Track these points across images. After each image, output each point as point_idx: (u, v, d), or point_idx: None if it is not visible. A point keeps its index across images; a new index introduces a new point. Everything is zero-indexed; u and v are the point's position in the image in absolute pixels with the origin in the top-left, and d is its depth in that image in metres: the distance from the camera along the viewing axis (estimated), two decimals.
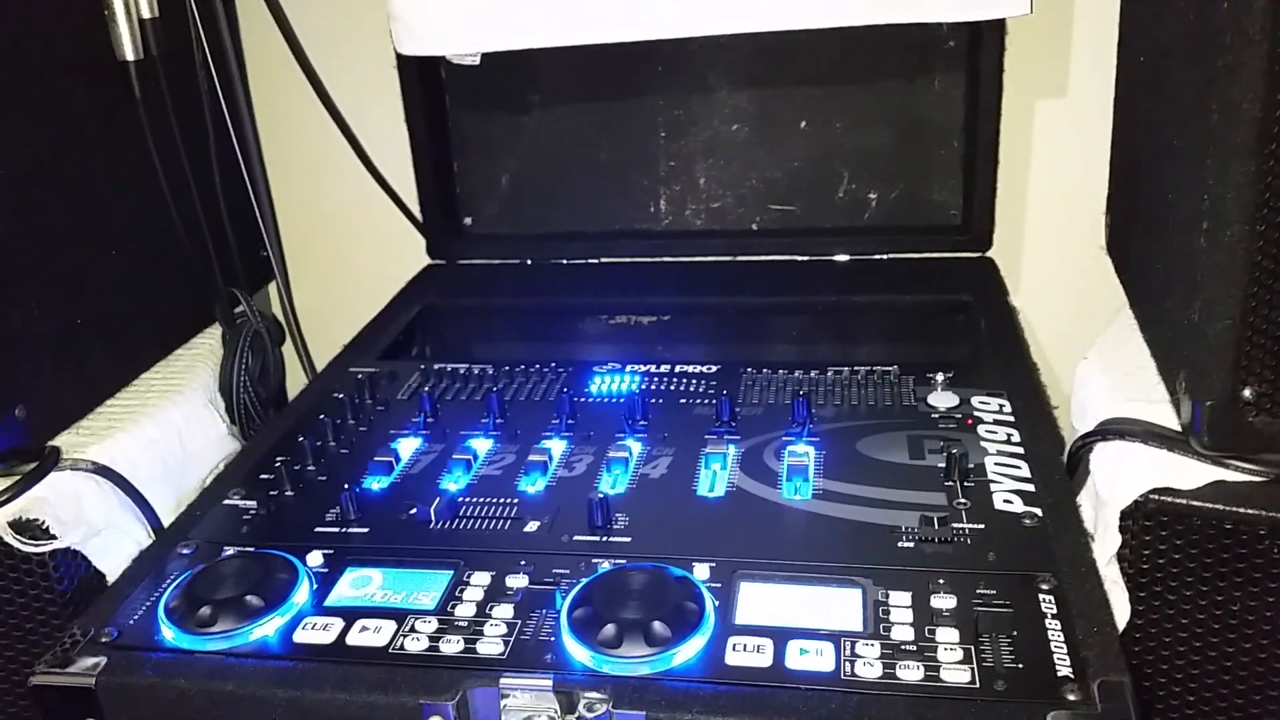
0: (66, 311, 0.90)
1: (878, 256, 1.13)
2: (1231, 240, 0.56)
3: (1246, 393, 0.60)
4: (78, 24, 0.93)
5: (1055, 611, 0.60)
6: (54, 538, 0.76)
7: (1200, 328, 0.60)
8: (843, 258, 1.14)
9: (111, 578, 0.79)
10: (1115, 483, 0.66)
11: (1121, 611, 0.66)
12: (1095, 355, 0.81)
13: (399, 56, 1.09)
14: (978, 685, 0.56)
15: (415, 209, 1.21)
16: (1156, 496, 0.63)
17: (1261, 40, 0.52)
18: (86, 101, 0.93)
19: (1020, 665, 0.57)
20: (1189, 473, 0.64)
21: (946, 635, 0.59)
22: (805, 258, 1.15)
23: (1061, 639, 0.58)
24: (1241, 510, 0.61)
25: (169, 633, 0.64)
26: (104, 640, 0.64)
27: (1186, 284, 0.62)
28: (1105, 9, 0.96)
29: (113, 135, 0.97)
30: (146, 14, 0.96)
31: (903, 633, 0.59)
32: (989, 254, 1.11)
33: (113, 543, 0.81)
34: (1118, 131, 0.94)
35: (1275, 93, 0.53)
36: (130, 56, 0.95)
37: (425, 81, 1.15)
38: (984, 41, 1.03)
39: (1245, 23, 0.53)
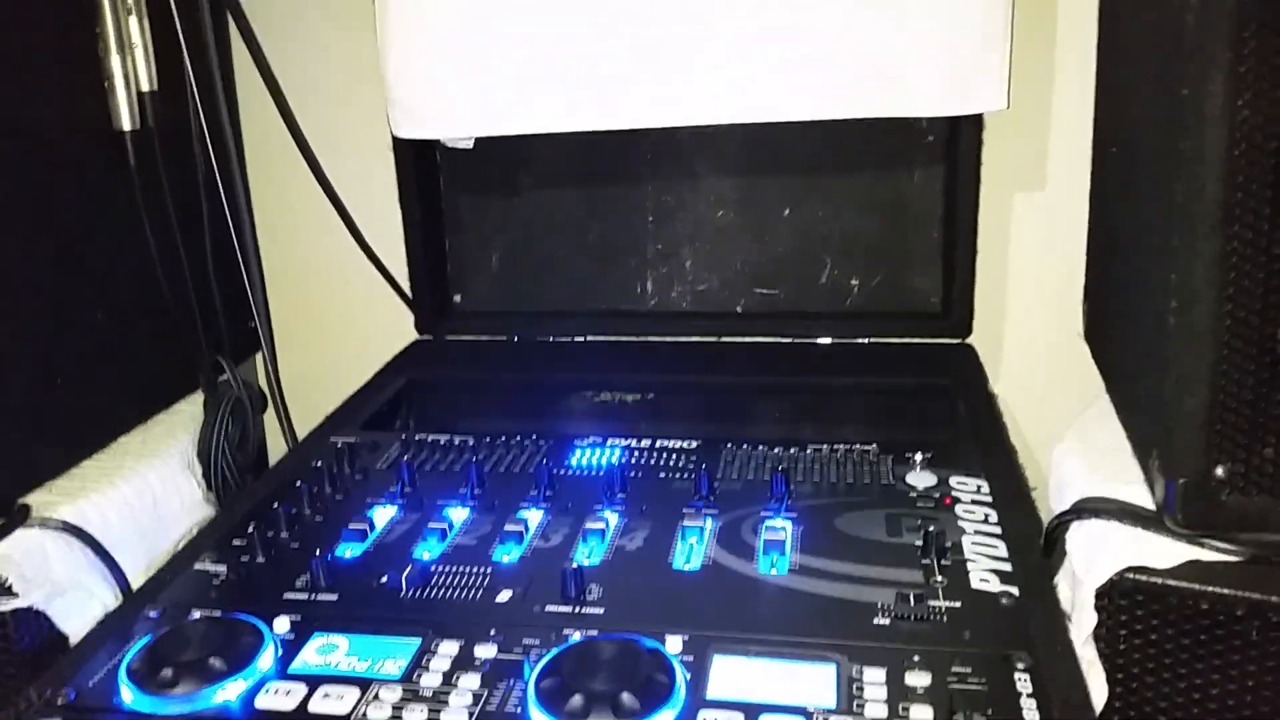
0: (46, 371, 0.90)
1: (859, 340, 1.14)
2: (1199, 318, 0.57)
3: (1219, 471, 0.60)
4: (78, 93, 0.95)
5: (1031, 690, 0.59)
6: (15, 595, 0.75)
7: (1172, 406, 0.61)
8: (825, 340, 1.15)
9: (75, 640, 0.78)
10: (1091, 561, 0.66)
11: (1099, 692, 0.65)
12: (1072, 437, 0.81)
13: (395, 138, 1.12)
14: None
15: (405, 284, 1.23)
16: (1132, 575, 0.63)
17: (1221, 121, 0.54)
18: (82, 168, 0.95)
19: None
20: (1164, 552, 0.64)
21: (920, 713, 0.58)
22: (788, 340, 1.16)
23: (1038, 718, 0.57)
24: (1217, 590, 0.61)
25: (128, 694, 0.62)
26: (60, 702, 0.62)
27: (1158, 363, 0.63)
28: (1082, 103, 1.00)
29: (106, 201, 0.98)
30: (145, 87, 0.99)
31: (876, 710, 0.58)
32: (969, 340, 1.12)
33: (78, 604, 0.79)
34: (1093, 221, 0.96)
35: (1236, 173, 0.55)
36: (127, 127, 0.97)
37: (420, 162, 1.18)
38: (962, 135, 1.07)
39: (1205, 105, 0.55)
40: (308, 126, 1.22)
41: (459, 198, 1.22)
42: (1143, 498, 0.69)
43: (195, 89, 1.08)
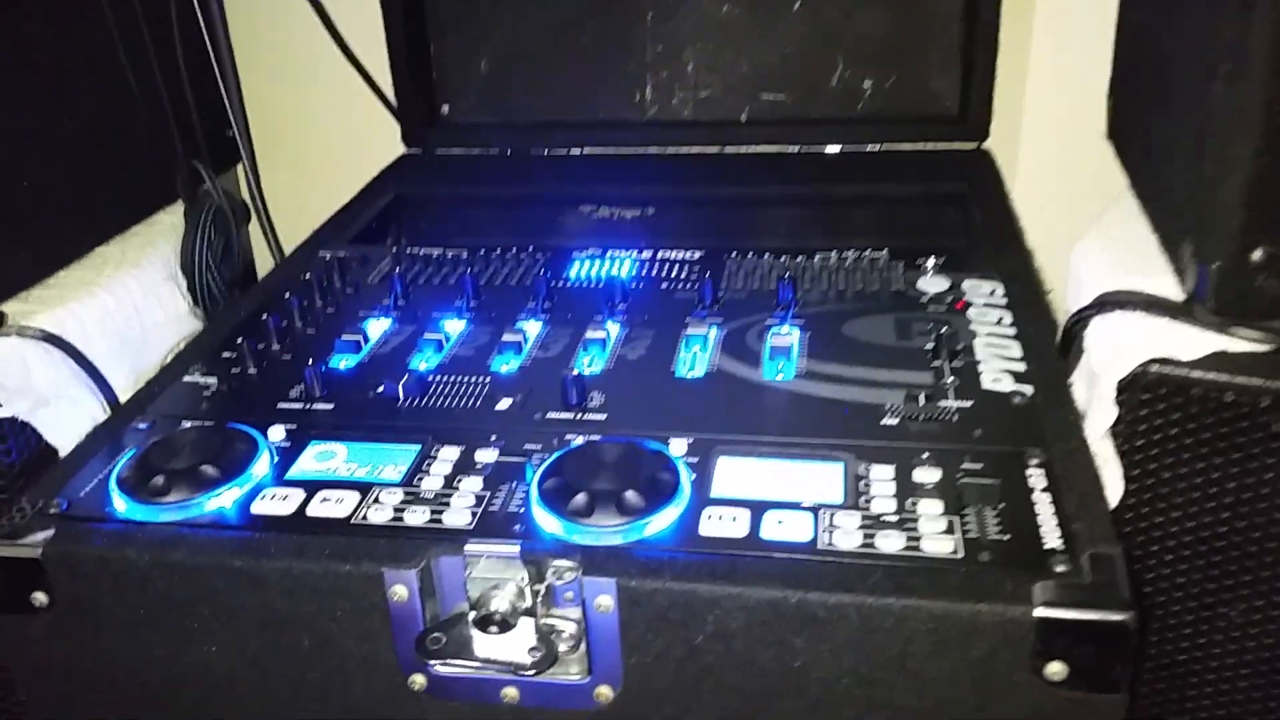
0: (13, 175, 0.85)
1: (871, 147, 1.09)
2: (1250, 85, 0.52)
3: (1256, 255, 0.57)
4: None
5: (1044, 485, 0.58)
6: None
7: (1209, 187, 0.57)
8: (834, 149, 1.10)
9: (64, 452, 0.76)
10: (1112, 354, 0.63)
11: (1114, 488, 0.64)
12: (1094, 234, 0.78)
13: None
14: (961, 555, 0.54)
15: (391, 94, 1.16)
16: (1156, 367, 0.61)
17: None
18: None
19: (1006, 537, 0.54)
20: (1190, 343, 0.61)
21: (929, 507, 0.57)
22: (796, 149, 1.11)
23: (1050, 512, 0.56)
24: (1244, 380, 0.58)
25: (121, 503, 0.61)
26: (53, 512, 0.61)
27: (1197, 142, 0.58)
28: None
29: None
30: None
31: (884, 505, 0.57)
32: (985, 145, 1.07)
33: (64, 415, 0.78)
34: (1125, 10, 0.89)
35: None
36: None
37: None
38: None
39: None
40: None
41: None
42: (1167, 291, 0.66)
43: None
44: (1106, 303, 0.67)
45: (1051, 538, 0.54)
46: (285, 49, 1.25)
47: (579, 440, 0.64)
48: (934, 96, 1.08)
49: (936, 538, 0.55)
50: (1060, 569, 0.52)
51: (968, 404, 0.65)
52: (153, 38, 0.99)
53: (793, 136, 1.11)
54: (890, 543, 0.54)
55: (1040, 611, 0.50)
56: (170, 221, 1.02)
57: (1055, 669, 0.50)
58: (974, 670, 0.52)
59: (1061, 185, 1.15)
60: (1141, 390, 0.62)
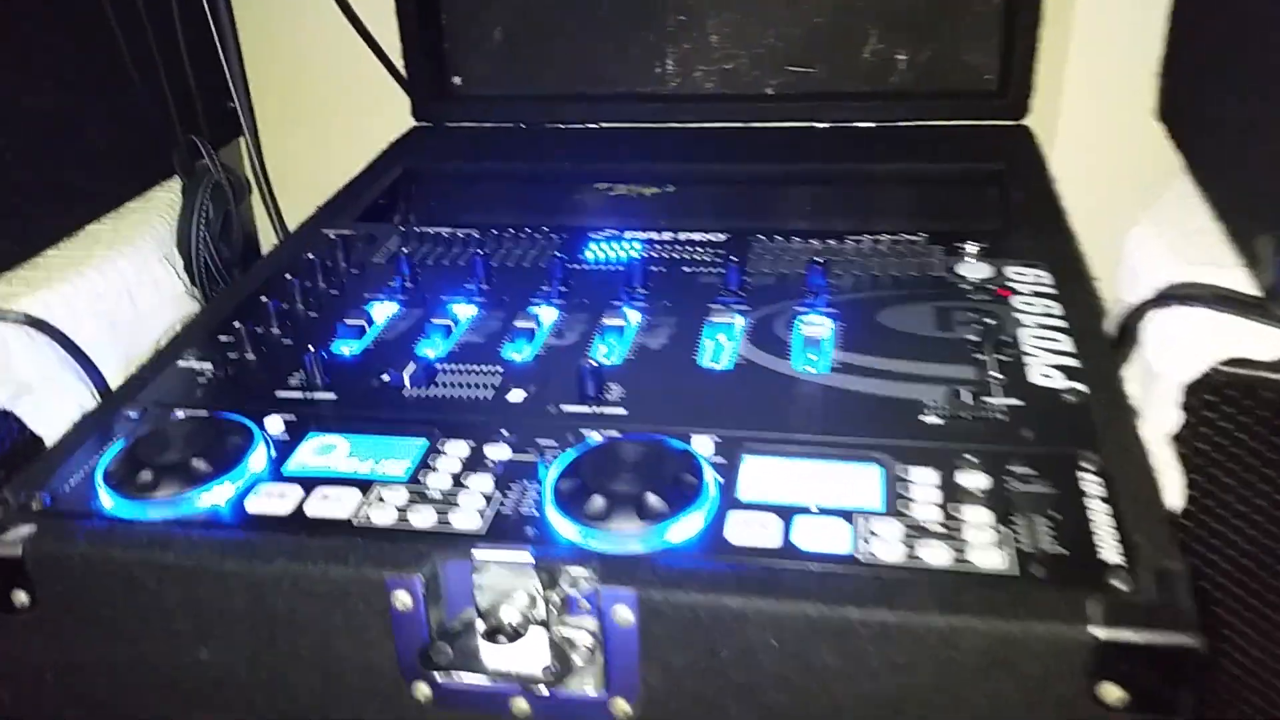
0: None
1: (904, 124, 1.04)
2: None
3: None
4: None
5: (1101, 493, 0.53)
6: None
7: None
8: (866, 125, 1.05)
9: (50, 442, 0.73)
10: (1177, 354, 0.58)
11: (1176, 496, 0.59)
12: (1149, 221, 0.73)
13: None
14: (1011, 569, 0.49)
15: (400, 64, 1.12)
16: (1228, 368, 0.56)
17: None
18: None
19: (1061, 550, 0.50)
20: (1266, 342, 0.56)
21: (976, 516, 0.53)
22: (825, 125, 1.06)
23: (1108, 522, 0.51)
24: None
25: (107, 499, 0.58)
26: (35, 507, 0.58)
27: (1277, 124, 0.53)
28: None
29: None
30: None
31: (926, 512, 0.53)
32: (1025, 122, 1.02)
33: (50, 402, 0.74)
34: None
35: None
36: None
37: None
38: None
39: None
40: None
41: None
42: (1235, 285, 0.61)
43: None
44: (1171, 296, 0.62)
45: (1110, 551, 0.50)
46: (289, 17, 1.21)
47: (596, 437, 0.60)
48: (972, 70, 1.04)
49: (984, 549, 0.50)
50: (1120, 586, 0.48)
51: (1016, 401, 0.61)
52: (148, 4, 0.95)
53: (822, 112, 1.06)
54: (935, 554, 0.50)
55: (1100, 632, 0.46)
56: (166, 198, 0.98)
57: (1114, 693, 0.47)
58: (1024, 693, 0.48)
59: (1103, 165, 1.10)
60: (1210, 392, 0.57)
